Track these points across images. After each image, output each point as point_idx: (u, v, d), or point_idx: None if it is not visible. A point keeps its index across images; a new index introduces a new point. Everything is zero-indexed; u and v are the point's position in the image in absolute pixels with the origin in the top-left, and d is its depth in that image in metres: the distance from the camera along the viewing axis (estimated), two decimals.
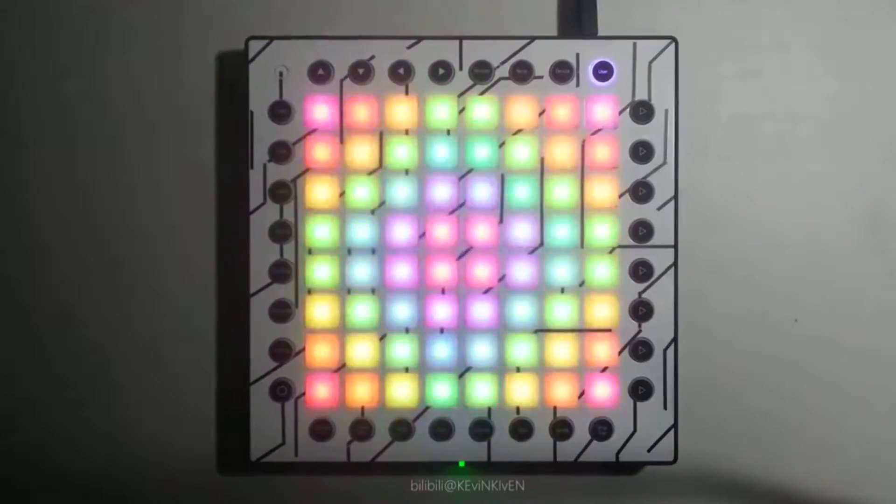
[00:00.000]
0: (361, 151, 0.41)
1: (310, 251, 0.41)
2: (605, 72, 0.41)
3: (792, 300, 0.43)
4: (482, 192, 0.41)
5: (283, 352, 0.41)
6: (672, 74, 0.41)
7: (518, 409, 0.41)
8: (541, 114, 0.41)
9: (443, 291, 0.41)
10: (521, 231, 0.41)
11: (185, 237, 0.43)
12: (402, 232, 0.41)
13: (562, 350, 0.41)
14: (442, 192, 0.41)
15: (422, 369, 0.41)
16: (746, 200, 0.43)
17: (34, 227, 0.43)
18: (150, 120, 0.43)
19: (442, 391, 0.41)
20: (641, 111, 0.41)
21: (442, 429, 0.41)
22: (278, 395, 0.41)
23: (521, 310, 0.41)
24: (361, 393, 0.41)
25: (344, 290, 0.41)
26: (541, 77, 0.41)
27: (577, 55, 0.41)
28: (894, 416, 0.43)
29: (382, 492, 0.43)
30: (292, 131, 0.41)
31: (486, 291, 0.41)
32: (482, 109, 0.41)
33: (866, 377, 0.43)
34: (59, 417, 0.43)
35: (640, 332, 0.41)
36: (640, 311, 0.41)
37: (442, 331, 0.41)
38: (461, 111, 0.41)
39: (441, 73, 0.41)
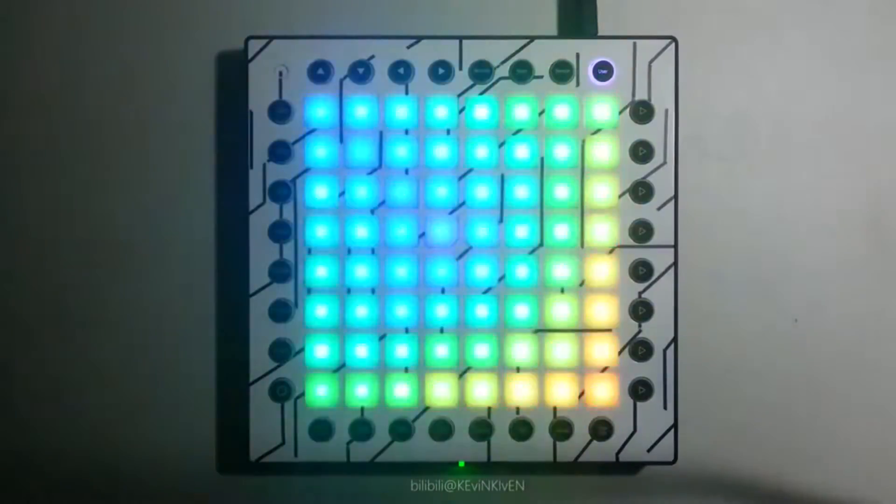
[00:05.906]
0: (361, 151, 0.41)
1: (310, 251, 0.41)
2: (605, 71, 0.41)
3: (792, 301, 0.43)
4: (482, 192, 0.41)
5: (283, 352, 0.41)
6: (672, 74, 0.41)
7: (518, 410, 0.41)
8: (541, 114, 0.41)
9: (443, 291, 0.41)
10: (521, 231, 0.41)
11: (185, 237, 0.43)
12: (402, 232, 0.41)
13: (562, 350, 0.41)
14: (442, 192, 0.41)
15: (422, 369, 0.41)
16: (746, 200, 0.43)
17: (33, 227, 0.43)
18: (149, 120, 0.43)
19: (442, 391, 0.41)
20: (641, 111, 0.41)
21: (442, 429, 0.41)
22: (278, 395, 0.41)
23: (521, 310, 0.41)
24: (361, 393, 0.41)
25: (344, 290, 0.41)
26: (541, 77, 0.41)
27: (577, 55, 0.41)
28: (894, 417, 0.43)
29: (382, 492, 0.43)
30: (292, 131, 0.41)
31: (486, 291, 0.41)
32: (482, 109, 0.41)
33: (866, 377, 0.43)
34: (58, 417, 0.43)
35: (640, 332, 0.41)
36: (640, 311, 0.41)
37: (442, 331, 0.41)
38: (461, 111, 0.41)
39: (441, 73, 0.41)
